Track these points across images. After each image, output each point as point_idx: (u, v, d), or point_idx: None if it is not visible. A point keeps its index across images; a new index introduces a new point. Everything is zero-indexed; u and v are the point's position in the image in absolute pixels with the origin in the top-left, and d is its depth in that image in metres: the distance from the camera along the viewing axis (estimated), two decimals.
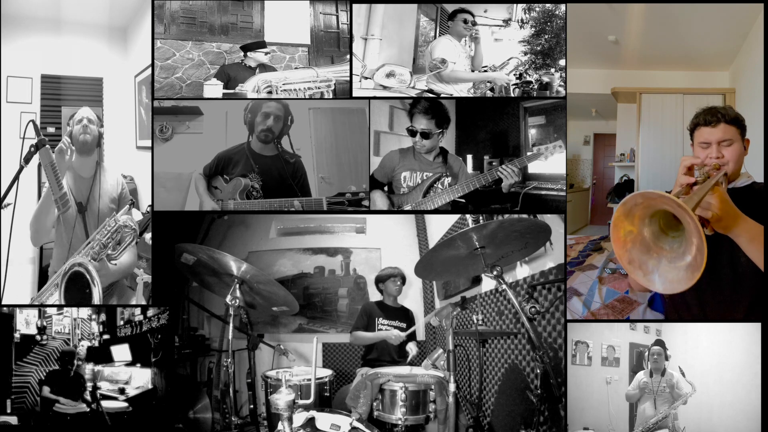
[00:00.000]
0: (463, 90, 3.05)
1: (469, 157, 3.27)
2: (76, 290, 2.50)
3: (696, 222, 1.45)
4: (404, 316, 3.37)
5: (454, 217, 3.32)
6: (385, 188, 2.91)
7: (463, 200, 2.77)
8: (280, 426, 1.92)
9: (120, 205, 2.85)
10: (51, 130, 3.90)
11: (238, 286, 2.57)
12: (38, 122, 3.10)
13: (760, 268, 1.84)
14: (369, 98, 2.97)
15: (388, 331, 3.23)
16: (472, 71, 3.11)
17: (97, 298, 2.45)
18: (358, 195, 2.72)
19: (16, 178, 2.54)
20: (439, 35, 3.22)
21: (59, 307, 2.80)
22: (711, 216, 1.68)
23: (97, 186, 2.84)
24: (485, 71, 3.09)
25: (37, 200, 3.65)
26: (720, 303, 2.14)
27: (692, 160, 1.84)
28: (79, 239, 2.74)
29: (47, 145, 2.53)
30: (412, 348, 3.16)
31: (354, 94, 2.94)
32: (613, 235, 1.62)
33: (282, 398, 1.91)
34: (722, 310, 2.15)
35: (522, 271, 2.74)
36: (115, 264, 2.66)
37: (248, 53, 3.21)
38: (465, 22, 3.06)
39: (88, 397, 2.79)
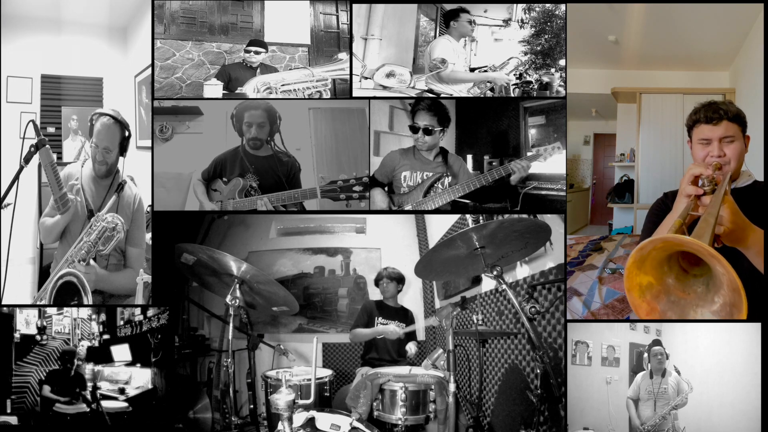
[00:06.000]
0: (463, 90, 3.05)
1: (469, 157, 3.27)
2: (68, 298, 2.53)
3: (729, 269, 1.30)
4: (403, 315, 3.37)
5: (454, 217, 3.32)
6: (386, 188, 2.91)
7: (467, 201, 2.77)
8: (280, 426, 1.92)
9: (132, 220, 2.84)
10: (51, 130, 3.90)
11: (238, 286, 2.57)
12: (38, 122, 3.10)
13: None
14: (369, 98, 2.97)
15: (385, 326, 3.24)
16: (471, 70, 3.11)
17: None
18: (349, 182, 2.72)
19: (16, 178, 2.54)
20: (439, 35, 3.22)
21: (59, 306, 2.80)
22: (723, 231, 1.56)
23: (112, 196, 2.79)
24: (485, 71, 3.09)
25: (38, 201, 3.67)
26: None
27: (700, 170, 1.72)
28: None
29: (47, 145, 2.53)
30: (411, 347, 3.16)
31: (354, 94, 2.94)
32: (629, 287, 1.42)
33: (282, 398, 1.90)
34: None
35: (522, 271, 2.74)
36: (105, 255, 2.67)
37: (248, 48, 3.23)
38: (470, 23, 3.06)
39: (89, 397, 2.79)
